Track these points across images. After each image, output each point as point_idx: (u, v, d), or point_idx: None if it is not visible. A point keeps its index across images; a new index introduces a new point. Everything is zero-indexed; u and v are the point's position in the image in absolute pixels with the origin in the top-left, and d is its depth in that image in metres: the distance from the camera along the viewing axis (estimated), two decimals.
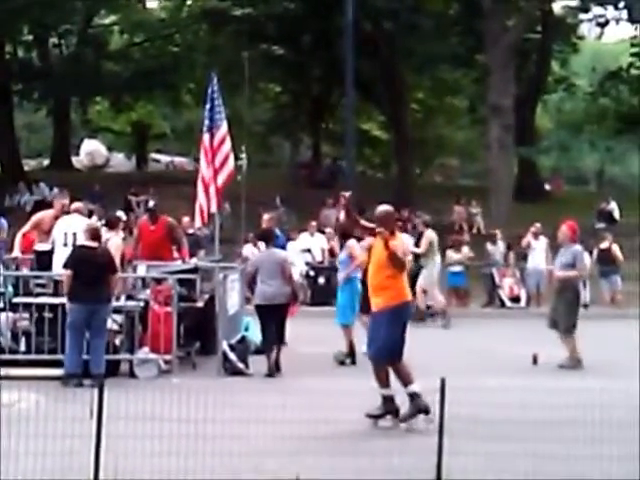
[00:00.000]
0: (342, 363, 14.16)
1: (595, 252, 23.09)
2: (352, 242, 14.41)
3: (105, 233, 13.69)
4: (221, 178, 13.92)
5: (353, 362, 14.12)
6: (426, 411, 9.51)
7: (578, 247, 14.90)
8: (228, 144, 14.03)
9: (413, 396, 9.67)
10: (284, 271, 13.40)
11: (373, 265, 9.98)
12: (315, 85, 41.41)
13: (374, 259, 9.97)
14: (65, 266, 12.16)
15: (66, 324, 12.00)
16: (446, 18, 37.96)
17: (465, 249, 23.64)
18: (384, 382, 9.74)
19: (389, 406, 9.74)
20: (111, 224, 14.75)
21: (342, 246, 14.93)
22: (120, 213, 19.51)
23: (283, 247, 14.69)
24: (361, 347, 14.79)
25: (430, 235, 19.67)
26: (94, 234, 12.33)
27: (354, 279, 14.36)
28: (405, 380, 9.75)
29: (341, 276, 14.61)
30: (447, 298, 23.12)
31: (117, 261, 13.06)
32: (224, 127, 14.02)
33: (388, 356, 9.74)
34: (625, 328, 19.45)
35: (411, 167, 40.95)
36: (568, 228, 14.91)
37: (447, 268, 22.73)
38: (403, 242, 10.22)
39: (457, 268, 23.12)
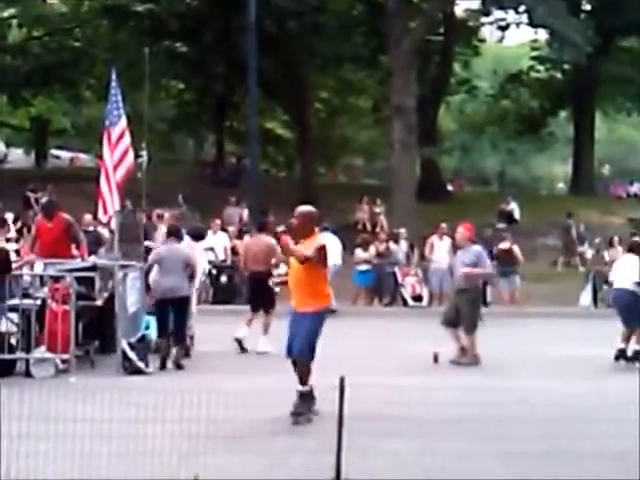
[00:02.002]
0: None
1: (495, 252, 23.39)
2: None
3: None
4: (119, 174, 13.69)
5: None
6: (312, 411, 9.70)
7: (478, 247, 15.08)
8: (127, 139, 13.80)
9: (303, 395, 9.78)
10: (186, 268, 13.63)
11: (294, 269, 10.06)
12: (218, 83, 41.12)
13: (295, 263, 10.01)
14: None
15: None
16: (350, 18, 38.05)
17: (372, 248, 23.71)
18: (307, 379, 9.82)
19: (311, 402, 9.82)
20: None
21: None
22: (8, 215, 19.11)
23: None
24: (257, 346, 14.95)
25: None
26: None
27: None
28: (305, 379, 9.82)
29: None
30: (354, 296, 23.30)
31: None
32: (123, 122, 13.79)
33: (311, 353, 9.85)
34: (522, 327, 19.78)
35: (314, 166, 41.02)
36: (465, 229, 15.12)
37: (355, 267, 22.95)
38: (317, 242, 10.14)
39: (365, 267, 23.21)
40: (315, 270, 9.89)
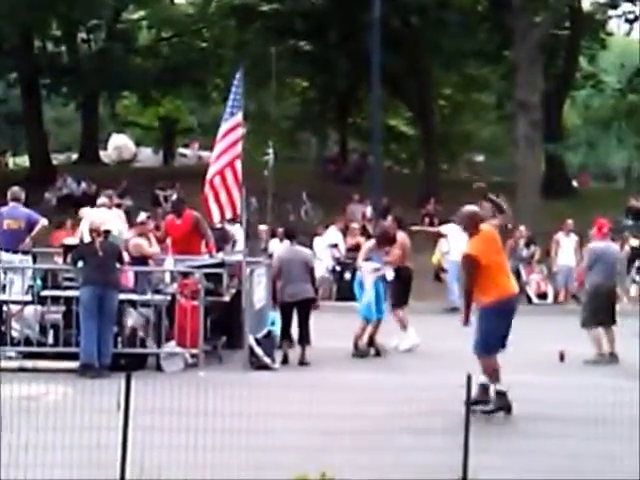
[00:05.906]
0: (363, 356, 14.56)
1: (626, 249, 22.95)
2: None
3: (127, 232, 14.20)
4: (224, 160, 13.78)
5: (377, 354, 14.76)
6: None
7: (598, 245, 14.78)
8: (239, 132, 13.92)
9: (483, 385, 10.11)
10: (308, 269, 13.92)
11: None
12: (342, 80, 41.24)
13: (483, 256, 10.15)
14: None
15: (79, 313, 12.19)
16: (474, 14, 37.76)
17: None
18: (495, 376, 10.06)
19: (502, 401, 9.98)
20: (132, 225, 15.24)
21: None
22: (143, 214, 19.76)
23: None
24: (391, 341, 15.10)
25: None
26: (93, 231, 12.72)
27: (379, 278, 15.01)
28: (485, 372, 10.15)
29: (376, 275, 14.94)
30: None
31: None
32: (238, 117, 13.92)
33: (483, 349, 10.14)
34: None
35: (438, 163, 40.82)
36: (595, 226, 14.87)
37: None
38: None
39: None
40: (478, 266, 10.03)
